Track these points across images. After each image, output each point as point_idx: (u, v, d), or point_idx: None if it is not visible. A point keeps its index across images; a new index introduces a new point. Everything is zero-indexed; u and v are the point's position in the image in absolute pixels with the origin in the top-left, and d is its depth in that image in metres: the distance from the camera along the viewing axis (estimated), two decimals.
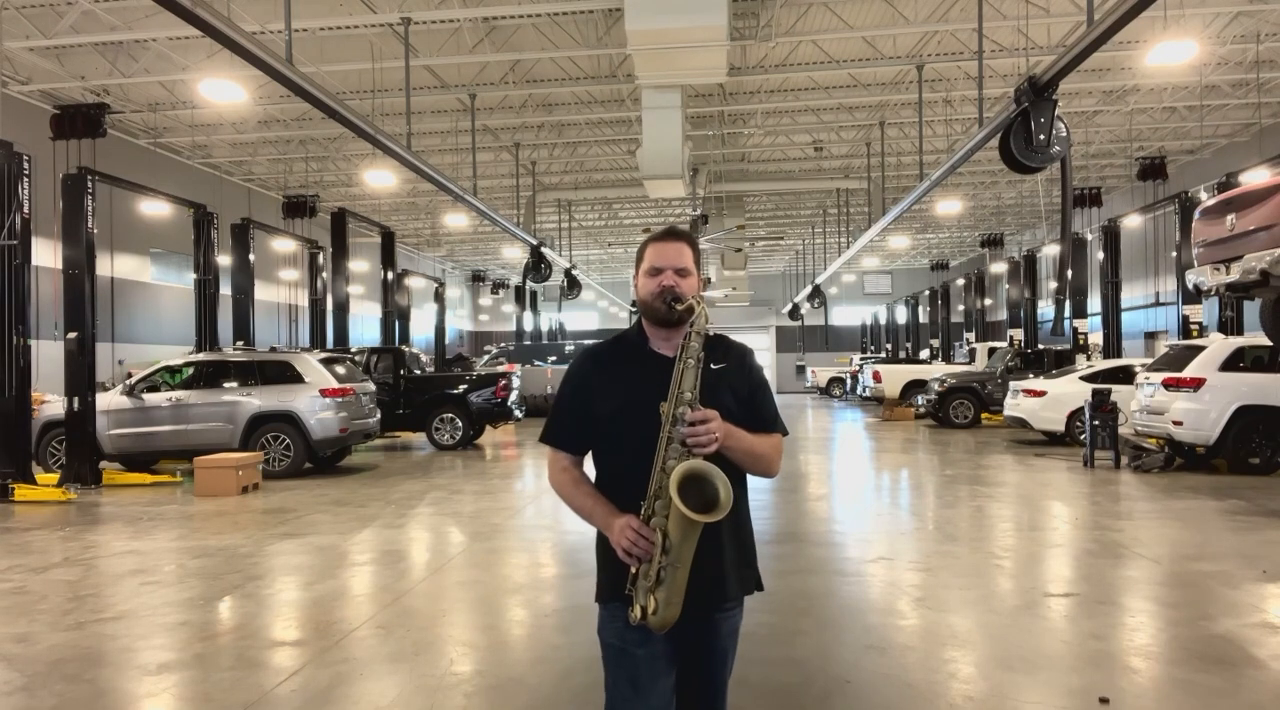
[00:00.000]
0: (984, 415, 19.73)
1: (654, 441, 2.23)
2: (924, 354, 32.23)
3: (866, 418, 24.13)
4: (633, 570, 2.23)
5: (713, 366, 2.32)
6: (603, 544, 2.35)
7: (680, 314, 2.32)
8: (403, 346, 18.52)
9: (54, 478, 11.40)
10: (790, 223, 31.68)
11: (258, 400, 12.52)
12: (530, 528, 8.89)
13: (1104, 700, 4.08)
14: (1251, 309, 11.49)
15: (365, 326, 25.65)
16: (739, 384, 2.43)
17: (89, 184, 11.59)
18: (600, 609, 2.42)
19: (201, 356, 13.44)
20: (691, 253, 2.42)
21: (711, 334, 2.39)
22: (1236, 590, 6.00)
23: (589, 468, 2.48)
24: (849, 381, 32.54)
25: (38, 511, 9.96)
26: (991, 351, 23.24)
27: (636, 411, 2.30)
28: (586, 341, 28.15)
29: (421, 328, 29.79)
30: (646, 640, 2.27)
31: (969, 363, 24.56)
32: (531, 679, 4.53)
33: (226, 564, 7.19)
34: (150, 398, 12.56)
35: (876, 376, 24.36)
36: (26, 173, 10.78)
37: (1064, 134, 8.59)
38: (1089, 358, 18.82)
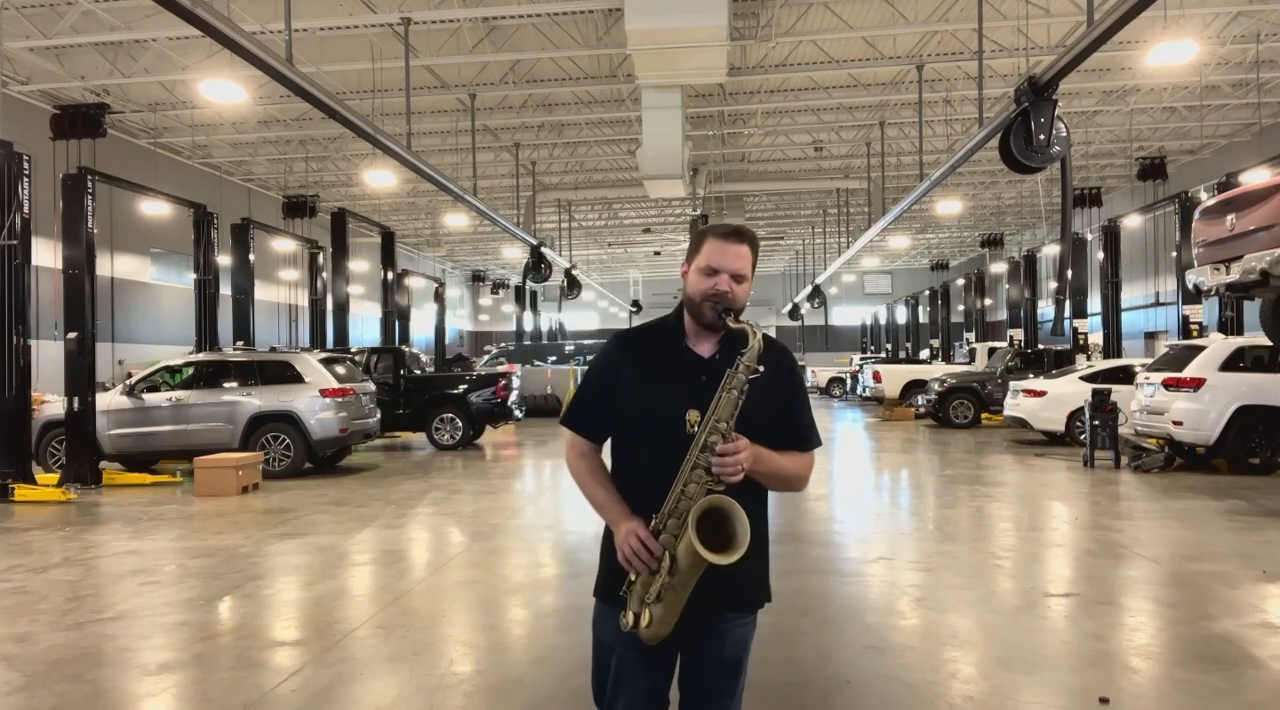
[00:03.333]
0: (984, 415, 19.72)
1: (676, 446, 2.15)
2: (924, 354, 32.22)
3: (866, 418, 24.12)
4: (630, 576, 2.19)
5: (760, 369, 2.18)
6: (609, 540, 2.31)
7: (730, 325, 2.20)
8: (403, 346, 18.51)
9: (54, 478, 11.39)
10: (790, 223, 31.70)
11: (258, 400, 12.51)
12: (530, 528, 8.89)
13: (1104, 700, 4.08)
14: (1251, 309, 11.48)
15: (365, 326, 25.67)
16: (776, 395, 2.29)
17: (89, 184, 11.58)
18: (597, 603, 2.38)
19: (201, 356, 13.43)
20: (752, 257, 2.31)
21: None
22: (1236, 590, 6.01)
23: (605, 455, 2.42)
24: (849, 381, 32.53)
25: (38, 511, 9.95)
26: (991, 351, 23.23)
27: (663, 414, 2.22)
28: (586, 341, 28.23)
29: (421, 328, 29.80)
30: (638, 643, 2.23)
31: (969, 363, 24.55)
32: (531, 679, 4.53)
33: (226, 564, 7.19)
34: (150, 398, 12.55)
35: (876, 376, 24.35)
36: (26, 173, 10.77)
37: (1064, 134, 8.59)
38: (1089, 358, 18.82)
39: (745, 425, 2.15)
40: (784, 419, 2.33)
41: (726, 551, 2.06)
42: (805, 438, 2.37)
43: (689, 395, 2.19)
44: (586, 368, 2.45)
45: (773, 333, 40.76)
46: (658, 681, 2.34)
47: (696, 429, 2.16)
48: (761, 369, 2.16)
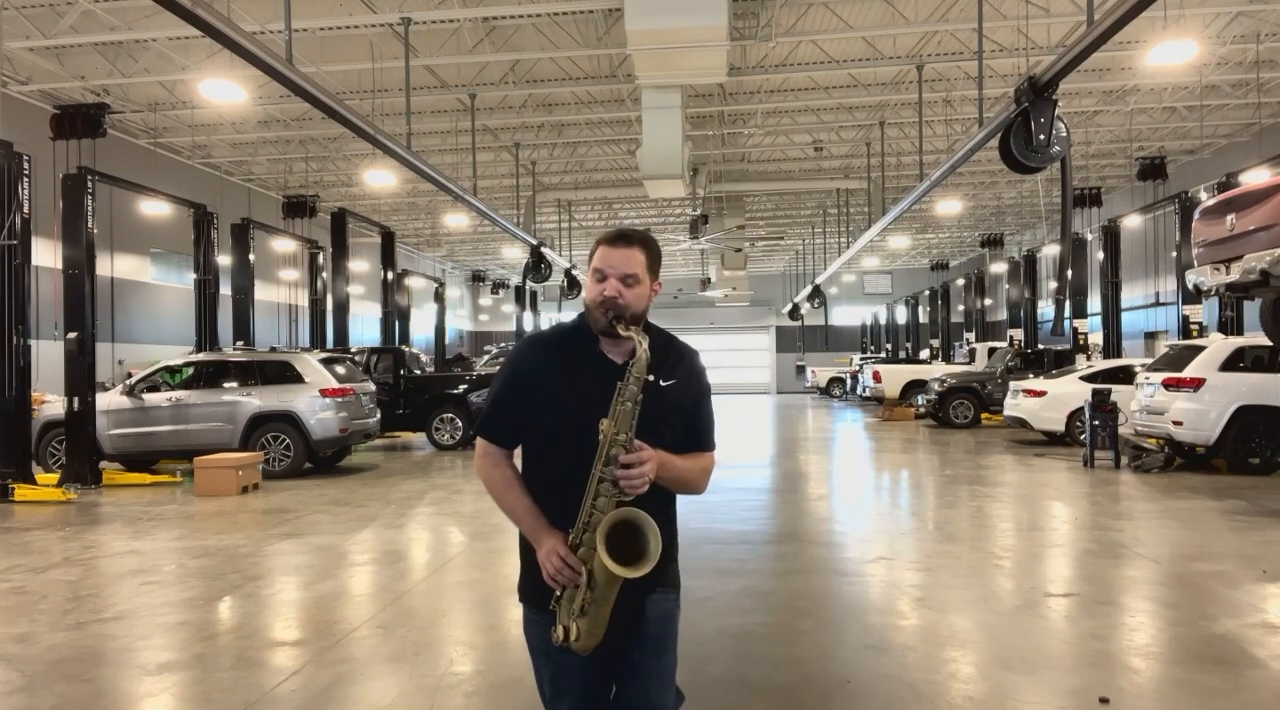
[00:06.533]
0: (984, 415, 19.73)
1: (590, 454, 2.15)
2: (924, 354, 32.22)
3: (866, 418, 24.12)
4: (557, 591, 2.20)
5: (662, 384, 2.21)
6: (528, 547, 2.30)
7: (619, 332, 2.21)
8: (403, 346, 18.51)
9: (54, 478, 11.39)
10: (790, 223, 31.66)
11: (258, 400, 12.52)
12: None
13: (1104, 700, 4.08)
14: (1251, 309, 11.49)
15: (365, 326, 25.65)
16: (685, 399, 2.32)
17: (89, 184, 11.58)
18: (524, 609, 2.38)
19: (201, 356, 13.44)
20: (644, 258, 2.28)
21: (653, 338, 2.25)
22: (1236, 590, 6.01)
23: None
24: (849, 381, 32.53)
25: (38, 511, 9.96)
26: (991, 351, 23.24)
27: (579, 422, 2.20)
28: None
29: (421, 328, 29.77)
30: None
31: (969, 363, 24.55)
32: (531, 679, 4.50)
33: (226, 564, 7.19)
34: (150, 398, 12.56)
35: (876, 376, 24.36)
36: (26, 173, 10.78)
37: (1064, 134, 8.58)
38: (1089, 358, 18.82)
39: (657, 433, 2.17)
40: (691, 421, 2.35)
41: (638, 564, 2.08)
42: (705, 440, 2.39)
43: (603, 404, 2.17)
44: (499, 372, 2.40)
45: (773, 333, 40.40)
46: (598, 678, 2.34)
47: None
48: (651, 378, 2.17)
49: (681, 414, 2.32)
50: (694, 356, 2.40)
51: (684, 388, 2.30)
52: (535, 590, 2.27)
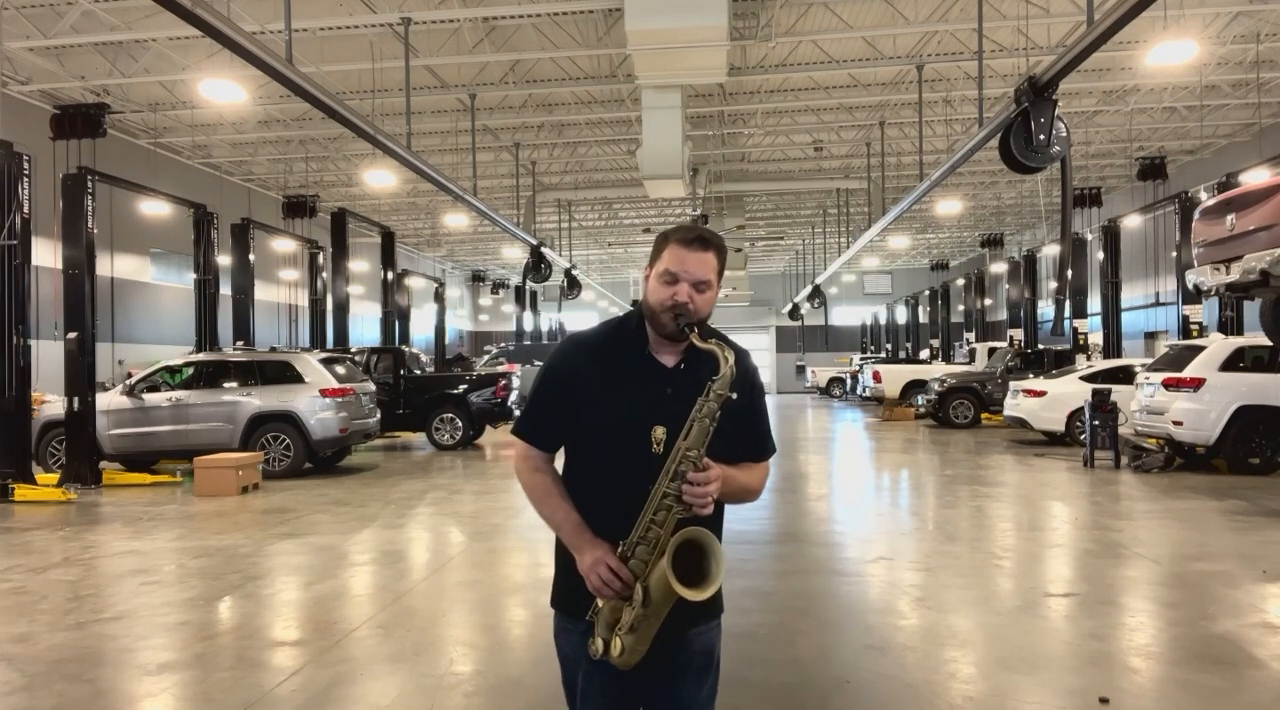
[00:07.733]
0: (984, 415, 19.73)
1: (640, 463, 2.07)
2: (924, 354, 32.22)
3: (866, 418, 24.12)
4: (598, 602, 2.12)
5: (733, 396, 2.07)
6: (565, 552, 2.22)
7: (697, 343, 2.10)
8: (403, 346, 18.51)
9: (54, 478, 11.39)
10: (790, 223, 31.68)
11: (258, 400, 12.52)
12: (530, 527, 8.88)
13: (1104, 700, 4.08)
14: (1251, 309, 11.49)
15: (365, 326, 25.65)
16: (740, 406, 2.17)
17: (89, 184, 11.58)
18: (556, 614, 2.31)
19: (201, 356, 13.44)
20: (717, 263, 2.18)
21: (712, 338, 2.15)
22: (1236, 590, 6.01)
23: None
24: (849, 381, 32.54)
25: (38, 511, 9.96)
26: (991, 351, 23.24)
27: (628, 429, 2.12)
28: None
29: (421, 328, 29.77)
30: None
31: (969, 363, 24.55)
32: (531, 679, 4.53)
33: (226, 564, 7.19)
34: (150, 398, 12.56)
35: (876, 376, 24.36)
36: (26, 173, 10.78)
37: (1064, 134, 8.59)
38: (1089, 358, 18.82)
39: (712, 444, 2.07)
40: (747, 429, 2.26)
41: (700, 586, 2.01)
42: (763, 447, 2.32)
43: (655, 409, 2.10)
44: (539, 372, 2.30)
45: (773, 333, 40.27)
46: (627, 692, 2.27)
47: (662, 448, 2.08)
48: (735, 396, 2.07)
49: (734, 420, 2.17)
50: (745, 356, 2.28)
51: (741, 396, 2.17)
52: (571, 598, 2.19)
